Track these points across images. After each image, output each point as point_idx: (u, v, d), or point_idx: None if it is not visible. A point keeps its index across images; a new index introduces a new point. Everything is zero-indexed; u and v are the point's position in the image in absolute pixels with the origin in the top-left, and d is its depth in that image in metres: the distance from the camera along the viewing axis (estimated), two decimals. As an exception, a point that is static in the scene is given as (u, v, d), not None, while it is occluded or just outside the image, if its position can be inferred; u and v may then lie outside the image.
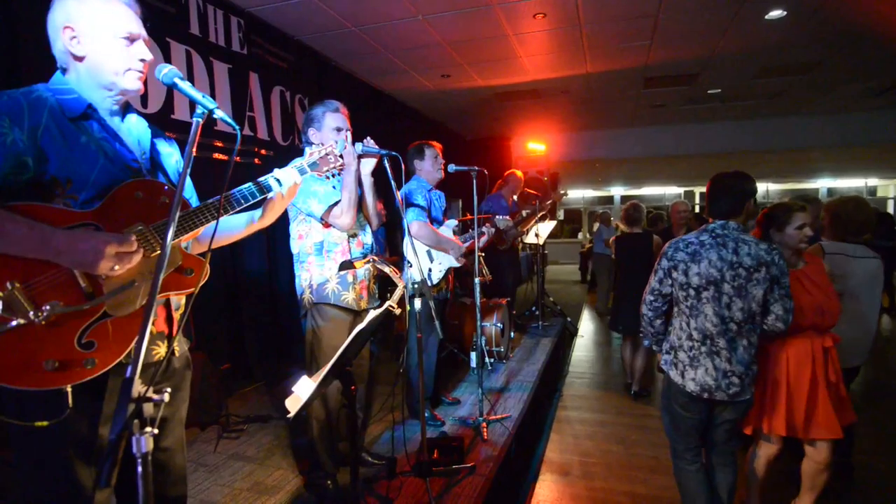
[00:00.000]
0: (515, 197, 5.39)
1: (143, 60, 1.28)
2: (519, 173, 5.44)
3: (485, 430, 3.08)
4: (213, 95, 3.65)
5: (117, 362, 1.16)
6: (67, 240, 1.09)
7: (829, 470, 2.23)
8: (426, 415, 3.01)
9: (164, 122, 3.20)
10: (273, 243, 4.30)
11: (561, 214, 15.78)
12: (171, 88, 1.44)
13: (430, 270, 3.22)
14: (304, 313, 2.42)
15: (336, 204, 2.26)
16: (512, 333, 4.94)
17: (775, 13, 4.43)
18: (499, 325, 4.41)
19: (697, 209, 8.94)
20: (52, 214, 1.12)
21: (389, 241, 5.46)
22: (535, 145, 9.46)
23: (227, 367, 3.52)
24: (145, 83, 1.33)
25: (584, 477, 2.95)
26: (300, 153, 2.30)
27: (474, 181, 3.14)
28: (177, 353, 1.40)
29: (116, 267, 1.12)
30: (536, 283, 6.26)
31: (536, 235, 5.83)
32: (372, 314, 1.76)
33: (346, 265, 2.19)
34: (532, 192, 5.71)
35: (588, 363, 5.23)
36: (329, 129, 2.35)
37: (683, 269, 2.00)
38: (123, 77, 1.26)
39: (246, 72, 4.08)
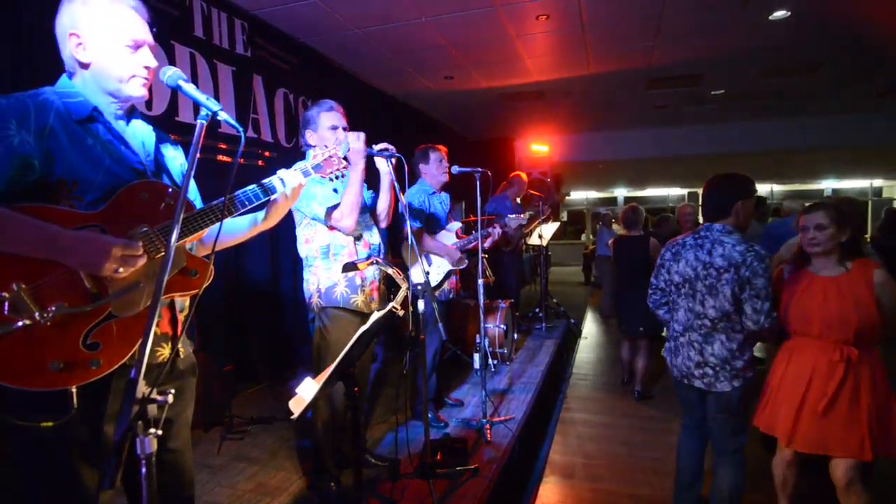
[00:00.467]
0: (519, 199, 5.42)
1: (147, 67, 1.28)
2: (524, 176, 5.49)
3: (488, 431, 3.07)
4: (217, 98, 3.66)
5: (122, 363, 1.16)
6: (74, 241, 1.10)
7: (851, 491, 2.06)
8: (429, 416, 3.01)
9: (168, 125, 3.21)
10: (276, 245, 4.31)
11: (564, 216, 15.78)
12: (175, 91, 1.45)
13: (427, 274, 3.23)
14: (313, 317, 2.42)
15: (335, 207, 2.26)
16: (515, 335, 4.94)
17: (779, 13, 4.41)
18: (502, 326, 4.41)
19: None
20: (57, 215, 1.12)
21: (392, 244, 5.47)
22: (539, 147, 9.44)
23: (231, 369, 3.53)
24: (150, 87, 1.34)
25: (588, 479, 2.94)
26: (303, 156, 2.31)
27: (478, 183, 3.15)
28: (181, 355, 1.40)
29: (121, 269, 1.12)
30: (540, 284, 6.25)
31: (540, 237, 5.84)
32: (375, 315, 1.76)
33: (350, 266, 2.19)
34: (535, 193, 5.72)
35: (592, 365, 5.22)
36: (325, 129, 2.34)
37: (668, 267, 2.25)
38: (128, 84, 1.27)
39: (250, 74, 4.10)
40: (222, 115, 1.15)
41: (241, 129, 1.19)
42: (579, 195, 16.45)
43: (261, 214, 1.53)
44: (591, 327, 6.91)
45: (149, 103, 3.17)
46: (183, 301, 1.39)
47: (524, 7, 4.20)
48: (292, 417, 1.50)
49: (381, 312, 1.78)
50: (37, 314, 1.05)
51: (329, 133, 2.33)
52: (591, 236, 15.61)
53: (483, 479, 2.60)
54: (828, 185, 13.98)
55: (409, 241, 2.22)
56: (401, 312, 1.88)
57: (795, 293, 2.12)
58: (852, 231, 2.08)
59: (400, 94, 6.82)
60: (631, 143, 9.84)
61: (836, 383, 1.98)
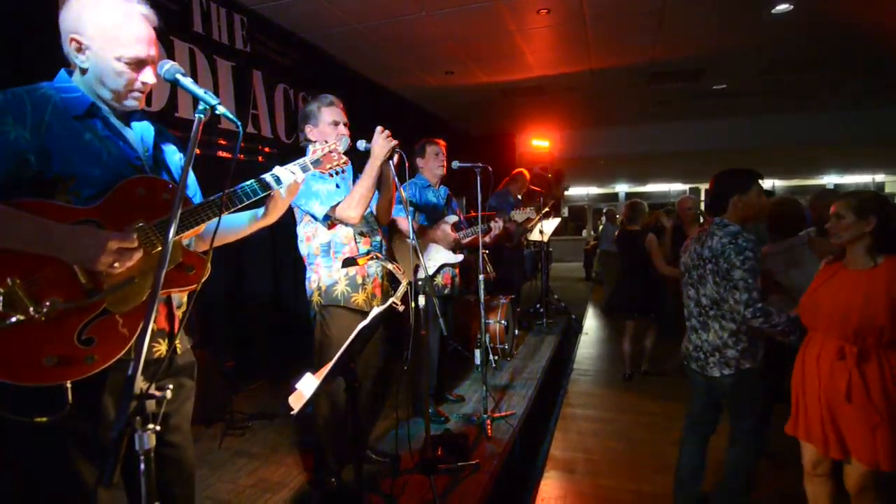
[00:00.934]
0: (521, 195, 5.45)
1: (145, 83, 1.27)
2: (526, 173, 5.52)
3: (489, 427, 3.07)
4: (216, 93, 3.65)
5: (117, 359, 1.15)
6: (69, 235, 1.09)
7: (864, 498, 1.90)
8: (430, 412, 3.01)
9: (167, 121, 3.19)
10: (277, 241, 4.30)
11: (565, 211, 15.76)
12: (175, 87, 1.44)
13: (418, 267, 3.22)
14: (314, 314, 2.42)
15: (339, 203, 2.24)
16: (516, 330, 4.94)
17: (782, 7, 4.38)
18: (503, 322, 4.40)
19: (703, 206, 8.88)
20: (54, 211, 1.12)
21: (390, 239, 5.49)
22: (540, 142, 9.40)
23: (232, 365, 3.54)
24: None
25: (589, 474, 2.93)
26: (303, 151, 2.29)
27: (478, 178, 3.14)
28: (179, 351, 1.40)
29: (117, 263, 1.12)
30: (541, 280, 6.24)
31: (541, 232, 5.83)
32: (374, 311, 1.75)
33: (350, 262, 2.18)
34: (536, 188, 5.72)
35: (592, 360, 5.22)
36: (326, 124, 2.32)
37: (681, 258, 2.41)
38: (122, 96, 1.26)
39: (249, 69, 4.08)
40: (220, 109, 1.14)
41: (238, 124, 1.18)
42: (580, 191, 16.43)
43: (261, 210, 1.52)
44: (591, 323, 6.90)
45: (148, 99, 3.13)
46: (181, 297, 1.38)
47: (525, 1, 4.17)
48: (292, 413, 1.49)
49: (381, 308, 1.77)
50: (31, 309, 1.04)
51: (331, 129, 2.31)
52: (592, 232, 15.60)
53: (484, 474, 2.59)
54: (830, 180, 13.95)
55: (412, 240, 2.21)
56: (401, 308, 1.87)
57: (818, 284, 2.02)
58: (885, 224, 1.86)
59: (400, 90, 6.79)
60: (632, 138, 9.80)
61: (843, 383, 1.85)
